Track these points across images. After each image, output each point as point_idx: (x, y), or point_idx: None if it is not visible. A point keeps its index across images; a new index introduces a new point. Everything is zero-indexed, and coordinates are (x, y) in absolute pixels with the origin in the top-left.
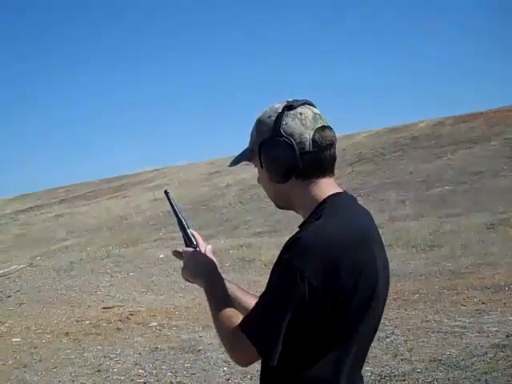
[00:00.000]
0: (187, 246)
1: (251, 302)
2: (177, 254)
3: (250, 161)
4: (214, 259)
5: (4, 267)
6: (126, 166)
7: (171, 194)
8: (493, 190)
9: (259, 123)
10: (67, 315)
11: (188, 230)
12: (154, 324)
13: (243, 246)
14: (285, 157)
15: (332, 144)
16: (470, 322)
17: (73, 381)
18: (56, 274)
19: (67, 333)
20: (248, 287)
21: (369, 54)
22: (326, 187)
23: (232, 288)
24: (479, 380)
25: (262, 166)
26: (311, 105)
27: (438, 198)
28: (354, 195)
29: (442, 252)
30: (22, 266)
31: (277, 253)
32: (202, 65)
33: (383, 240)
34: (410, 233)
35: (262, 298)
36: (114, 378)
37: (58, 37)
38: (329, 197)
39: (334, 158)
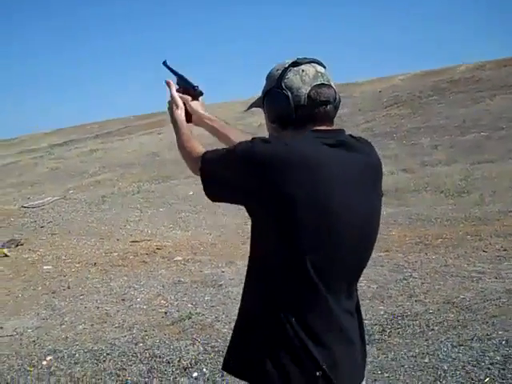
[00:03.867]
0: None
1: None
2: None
3: (261, 107)
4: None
5: (39, 199)
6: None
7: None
8: None
9: (269, 75)
10: (96, 247)
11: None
12: (179, 258)
13: None
14: (281, 107)
15: (327, 101)
16: (488, 268)
17: (98, 307)
18: (88, 207)
19: (95, 263)
20: None
21: None
22: None
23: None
24: (487, 322)
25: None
26: (318, 64)
27: (472, 143)
28: (388, 139)
29: (471, 198)
30: (55, 198)
31: None
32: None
33: (412, 184)
34: (440, 178)
35: (221, 150)
36: (137, 306)
37: None
38: None
39: (328, 114)
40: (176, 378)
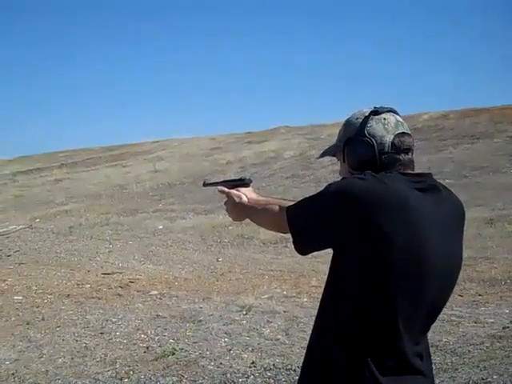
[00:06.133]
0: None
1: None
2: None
3: (334, 155)
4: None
5: (3, 227)
6: (126, 136)
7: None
8: (493, 185)
9: (347, 123)
10: (67, 278)
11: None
12: (155, 293)
13: (243, 223)
14: (365, 154)
15: (409, 149)
16: (466, 312)
17: (76, 340)
18: (55, 237)
19: (68, 295)
20: (246, 264)
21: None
22: None
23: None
24: (477, 367)
25: (344, 161)
26: (396, 113)
27: None
28: None
29: None
30: (21, 226)
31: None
32: (209, 41)
33: None
34: None
35: (307, 198)
36: (117, 340)
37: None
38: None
39: (410, 161)
40: None
